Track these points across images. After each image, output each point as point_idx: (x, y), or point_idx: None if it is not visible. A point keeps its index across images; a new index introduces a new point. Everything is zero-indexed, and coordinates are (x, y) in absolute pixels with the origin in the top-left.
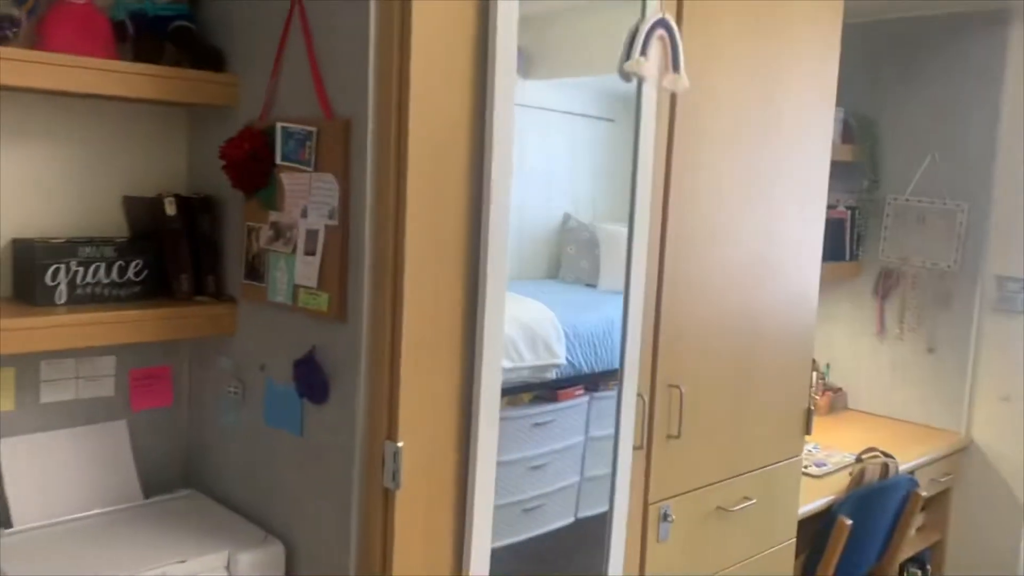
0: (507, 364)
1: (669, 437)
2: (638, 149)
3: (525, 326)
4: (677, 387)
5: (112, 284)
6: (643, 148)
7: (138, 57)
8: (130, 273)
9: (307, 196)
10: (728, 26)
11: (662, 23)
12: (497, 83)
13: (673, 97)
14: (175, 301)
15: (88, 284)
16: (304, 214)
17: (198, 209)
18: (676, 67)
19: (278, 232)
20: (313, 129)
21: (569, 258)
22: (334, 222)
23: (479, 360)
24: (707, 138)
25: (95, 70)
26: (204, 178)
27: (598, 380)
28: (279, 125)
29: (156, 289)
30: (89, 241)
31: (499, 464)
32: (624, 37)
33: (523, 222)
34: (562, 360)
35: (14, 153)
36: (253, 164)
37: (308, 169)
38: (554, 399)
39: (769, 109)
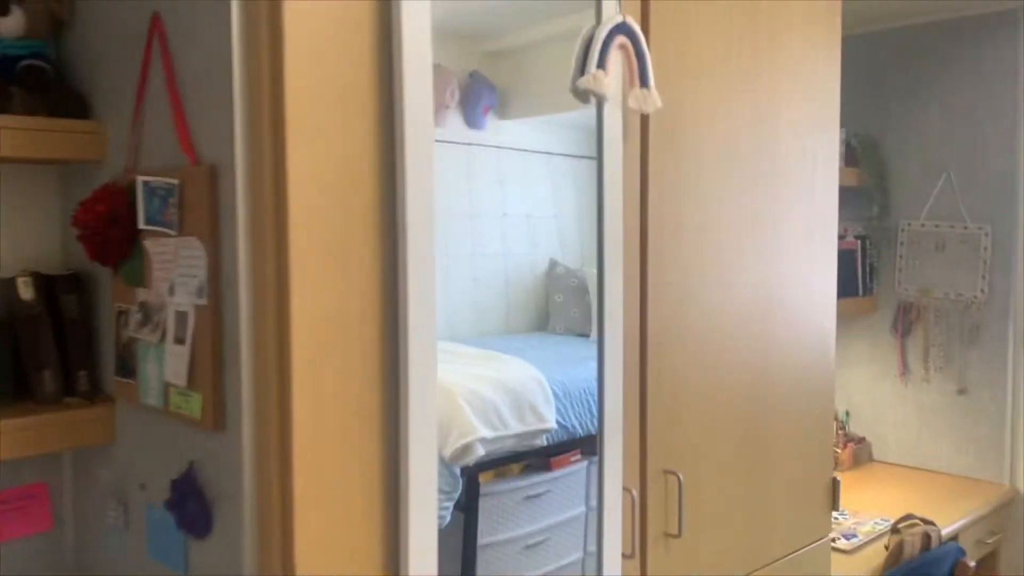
0: (489, 434)
1: (668, 536)
2: (602, 182)
3: (508, 389)
4: (674, 474)
5: None
6: (609, 180)
7: None
8: None
9: (174, 268)
10: (706, 30)
11: (623, 28)
12: (407, 103)
13: (644, 119)
14: (36, 404)
15: None
16: (172, 291)
17: (63, 289)
18: (644, 82)
19: (146, 315)
20: (175, 181)
21: (557, 307)
22: (203, 301)
23: (405, 465)
24: (690, 164)
25: None
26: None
27: (596, 442)
28: (139, 179)
29: (12, 390)
30: None
31: (489, 546)
32: (576, 47)
33: (508, 271)
34: (552, 424)
35: None
36: (111, 231)
37: (173, 233)
38: (547, 468)
39: (763, 127)
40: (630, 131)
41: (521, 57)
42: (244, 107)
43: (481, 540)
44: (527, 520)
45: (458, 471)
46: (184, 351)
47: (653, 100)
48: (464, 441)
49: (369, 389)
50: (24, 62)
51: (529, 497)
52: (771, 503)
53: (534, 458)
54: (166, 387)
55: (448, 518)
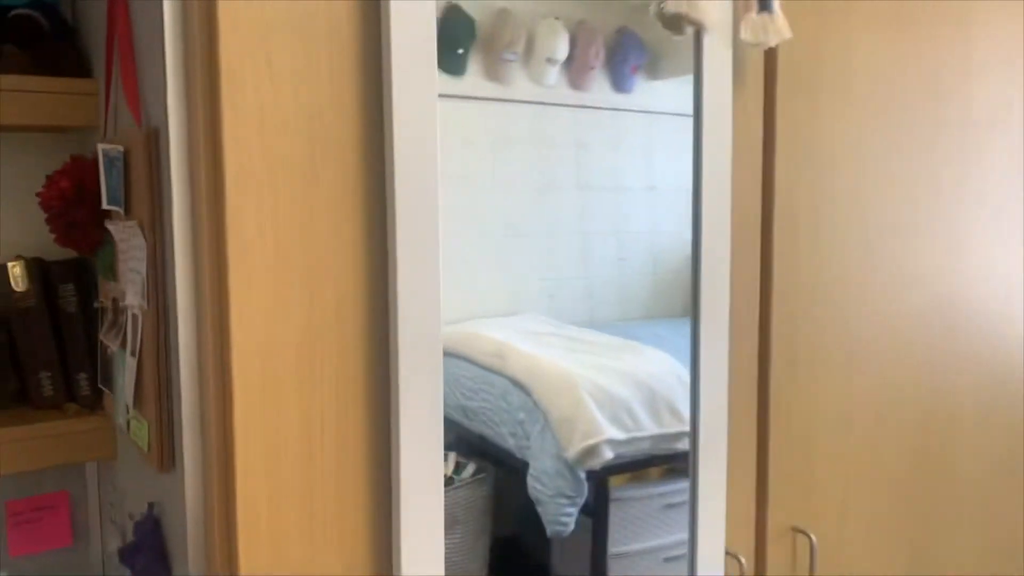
0: (619, 435)
1: None
2: (700, 148)
3: (642, 385)
4: (805, 534)
5: None
6: (711, 145)
7: None
8: None
9: (127, 259)
10: None
11: None
12: (396, 43)
13: (768, 56)
14: (33, 410)
15: None
16: (128, 288)
17: (60, 277)
18: (765, 4)
19: (115, 315)
20: (120, 148)
21: None
22: (145, 303)
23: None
24: (835, 115)
25: None
26: None
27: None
28: (99, 148)
29: (5, 395)
30: None
31: (622, 556)
32: None
33: (655, 250)
34: None
35: None
36: (77, 211)
37: (123, 218)
38: None
39: (945, 64)
40: (746, 74)
41: None
42: (175, 49)
43: (613, 549)
44: (667, 530)
45: (583, 474)
46: (134, 365)
47: (778, 28)
48: (589, 443)
49: (348, 419)
50: (13, 12)
51: (670, 506)
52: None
53: (676, 462)
54: (126, 407)
55: (572, 524)
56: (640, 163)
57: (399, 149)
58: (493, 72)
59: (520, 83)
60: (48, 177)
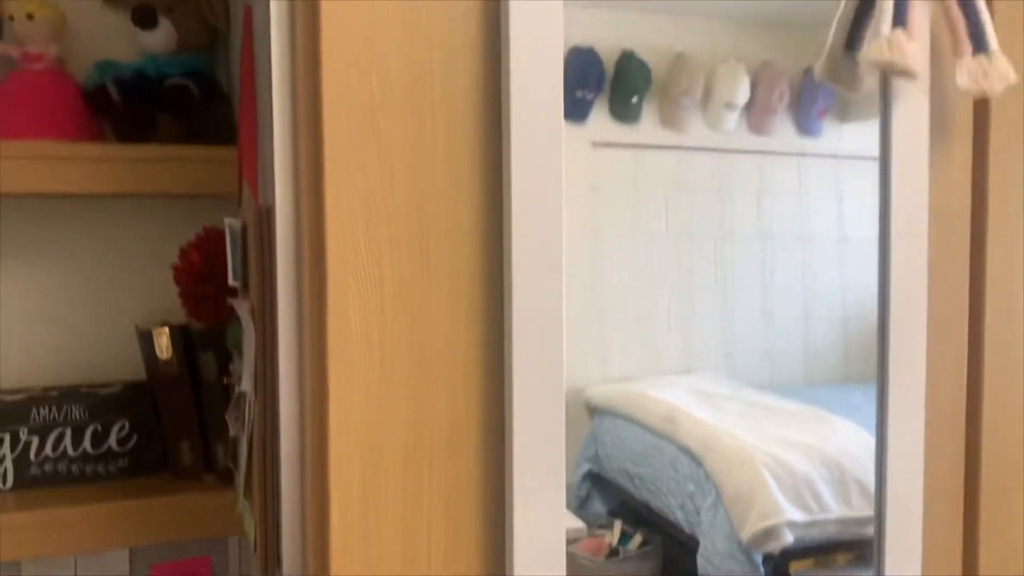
0: (801, 517)
1: None
2: (889, 209)
3: (831, 462)
4: None
5: (83, 457)
6: (899, 203)
7: (122, 134)
8: (111, 440)
9: (246, 339)
10: None
11: None
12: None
13: (983, 106)
14: (175, 481)
15: (47, 459)
16: (245, 370)
17: (201, 346)
18: (981, 45)
19: (240, 394)
20: (239, 223)
21: None
22: (254, 391)
23: None
24: None
25: (50, 161)
26: None
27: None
28: (225, 221)
29: (148, 460)
30: (56, 397)
31: None
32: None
33: (846, 306)
34: None
35: None
36: (207, 286)
37: (244, 295)
38: None
39: None
40: (952, 124)
41: None
42: (284, 122)
43: None
44: None
45: (759, 558)
46: (245, 454)
47: (1001, 72)
48: (766, 524)
49: (460, 534)
50: (169, 82)
51: None
52: None
53: (866, 548)
54: (241, 494)
55: None
56: (829, 212)
57: (518, 238)
58: (669, 119)
59: (697, 129)
60: (181, 249)
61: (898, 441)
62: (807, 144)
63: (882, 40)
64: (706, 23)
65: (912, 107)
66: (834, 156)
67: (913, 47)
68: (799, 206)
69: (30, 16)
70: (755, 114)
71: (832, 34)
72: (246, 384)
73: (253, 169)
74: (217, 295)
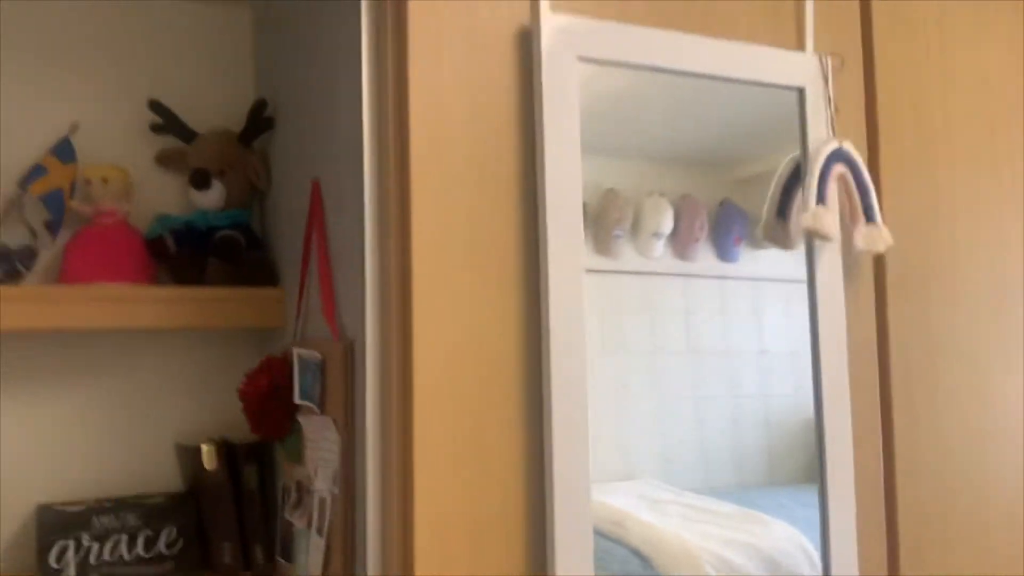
0: None
1: None
2: (819, 355)
3: (768, 559)
4: None
5: (137, 561)
6: (827, 337)
7: (178, 278)
8: (161, 545)
9: (318, 449)
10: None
11: (840, 155)
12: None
13: (877, 258)
14: None
15: (104, 563)
16: (316, 474)
17: (244, 459)
18: (871, 216)
19: (300, 497)
20: (319, 356)
21: None
22: (337, 490)
23: None
24: (948, 307)
25: (121, 302)
26: None
27: None
28: (295, 351)
29: (193, 561)
30: (112, 507)
31: None
32: (772, 184)
33: (769, 414)
34: None
35: (44, 398)
36: (271, 404)
37: (318, 411)
38: None
39: None
40: (856, 274)
41: (771, 182)
42: (375, 281)
43: None
44: None
45: None
46: (321, 545)
47: (883, 237)
48: None
49: None
50: (219, 234)
51: None
52: None
53: None
54: None
55: None
56: (749, 327)
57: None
58: (604, 248)
59: (629, 256)
60: (247, 375)
61: (837, 538)
62: (727, 268)
63: (809, 213)
64: (633, 162)
65: (829, 260)
66: (752, 279)
67: (830, 218)
68: (722, 323)
69: (104, 180)
70: (679, 242)
71: (766, 206)
72: (321, 485)
73: (332, 311)
74: (280, 412)
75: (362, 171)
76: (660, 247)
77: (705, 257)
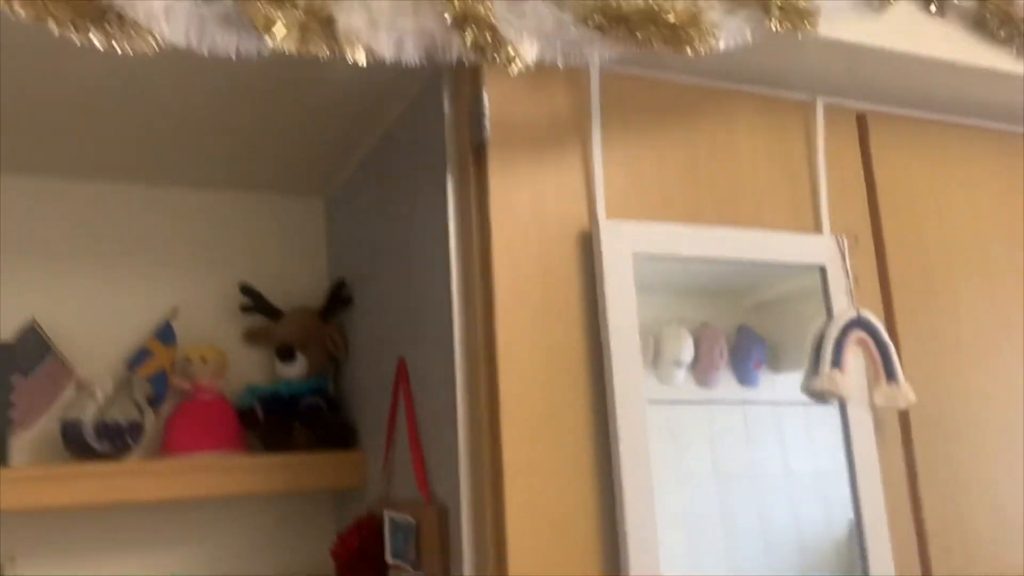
0: None
1: None
2: (857, 496)
3: None
4: None
5: None
6: (865, 494)
7: (267, 444)
8: None
9: None
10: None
11: (858, 323)
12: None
13: (904, 417)
14: None
15: None
16: None
17: None
18: (891, 376)
19: None
20: (413, 520)
21: None
22: None
23: None
24: (969, 453)
25: (217, 471)
26: None
27: None
28: (386, 514)
29: None
30: None
31: None
32: (808, 344)
33: (802, 536)
34: None
35: (145, 564)
36: (362, 564)
37: (411, 570)
38: None
39: None
40: (884, 426)
41: (785, 307)
42: (468, 450)
43: None
44: None
45: None
46: None
47: (904, 395)
48: None
49: None
50: (304, 401)
51: None
52: None
53: None
54: None
55: None
56: (773, 450)
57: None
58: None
59: (651, 384)
60: (339, 536)
61: None
62: (748, 392)
63: (823, 377)
64: (652, 294)
65: (858, 414)
66: (773, 403)
67: (846, 380)
68: (747, 448)
69: (204, 359)
70: (700, 370)
71: (806, 367)
72: None
73: (423, 477)
74: (370, 571)
75: (452, 355)
76: (681, 375)
77: (726, 384)
